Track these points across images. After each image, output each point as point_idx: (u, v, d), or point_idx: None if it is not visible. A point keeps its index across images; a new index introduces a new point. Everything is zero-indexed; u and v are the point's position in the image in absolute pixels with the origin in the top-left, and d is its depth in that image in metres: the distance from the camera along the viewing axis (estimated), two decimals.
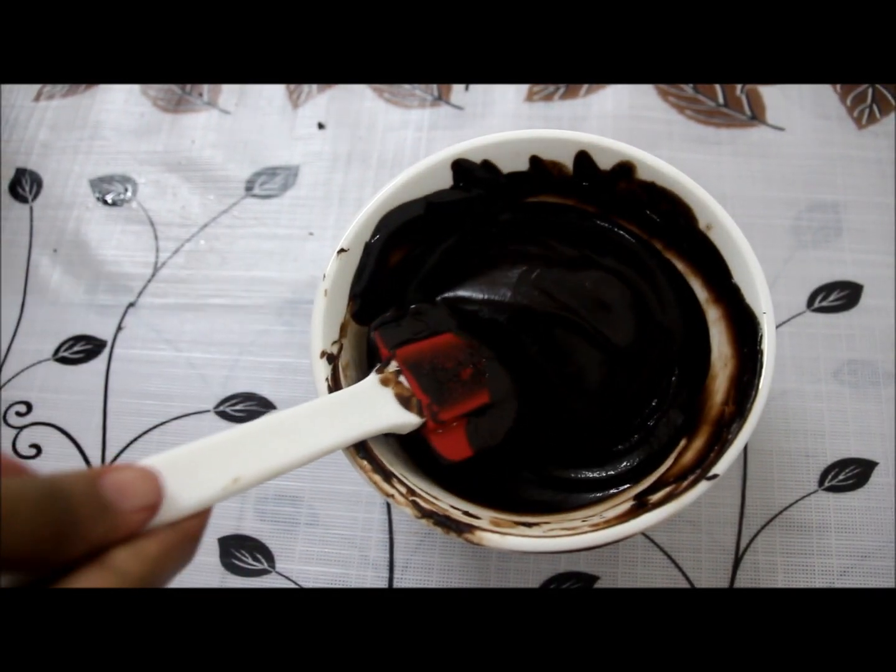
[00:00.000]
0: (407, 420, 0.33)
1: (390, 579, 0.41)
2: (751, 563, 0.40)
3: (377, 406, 0.33)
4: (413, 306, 0.38)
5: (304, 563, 0.42)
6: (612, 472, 0.37)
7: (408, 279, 0.41)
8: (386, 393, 0.34)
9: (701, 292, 0.39)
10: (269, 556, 0.42)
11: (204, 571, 0.42)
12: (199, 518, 0.25)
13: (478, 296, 0.39)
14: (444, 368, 0.35)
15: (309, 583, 0.41)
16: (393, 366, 0.34)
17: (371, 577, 0.41)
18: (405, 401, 0.33)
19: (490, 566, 0.41)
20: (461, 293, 0.40)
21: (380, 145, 0.52)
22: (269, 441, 0.28)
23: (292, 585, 0.41)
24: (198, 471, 0.26)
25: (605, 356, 0.38)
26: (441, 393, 0.34)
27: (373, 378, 0.34)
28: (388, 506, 0.42)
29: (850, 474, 0.41)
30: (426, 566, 0.41)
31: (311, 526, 0.42)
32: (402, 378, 0.34)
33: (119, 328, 0.49)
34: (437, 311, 0.38)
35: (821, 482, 0.41)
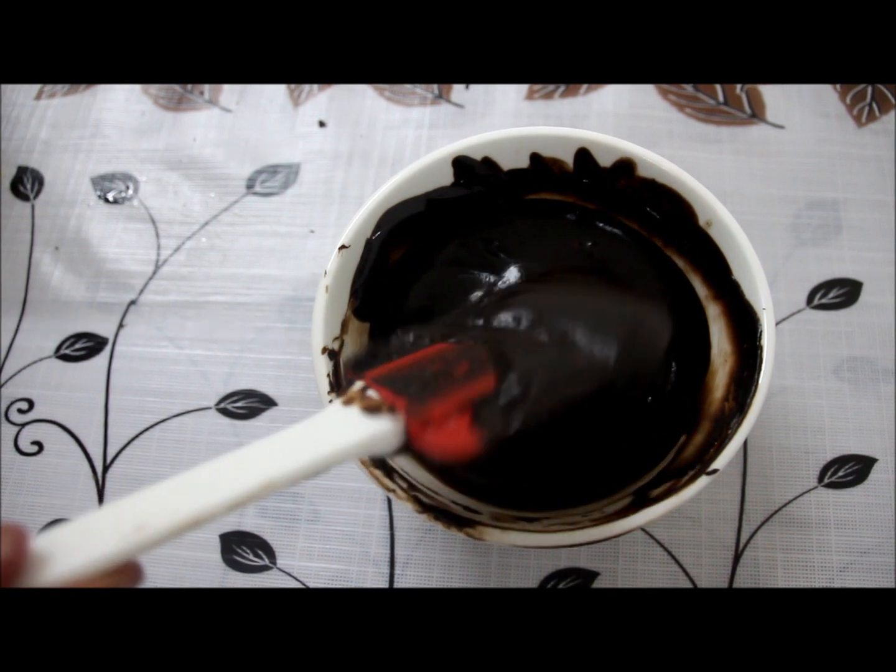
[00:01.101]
0: (379, 428, 0.26)
1: (391, 576, 0.41)
2: (751, 559, 0.40)
3: (338, 427, 0.26)
4: (398, 332, 0.32)
5: (306, 560, 0.42)
6: (613, 468, 0.38)
7: (408, 280, 0.41)
8: (349, 412, 0.27)
9: (701, 289, 0.39)
10: (270, 553, 0.42)
11: (205, 568, 0.42)
12: (106, 581, 0.22)
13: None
14: (429, 371, 0.29)
15: (310, 579, 0.41)
16: (357, 385, 0.28)
17: (372, 574, 0.41)
18: (374, 409, 0.27)
19: (491, 562, 0.41)
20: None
21: (380, 143, 0.52)
22: (188, 485, 0.23)
23: (293, 582, 0.41)
24: (91, 527, 0.22)
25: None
26: (424, 390, 0.28)
27: (334, 404, 0.27)
28: (389, 502, 0.42)
29: (849, 471, 0.41)
30: (427, 562, 0.41)
31: (312, 522, 0.42)
32: (370, 392, 0.28)
33: (120, 326, 0.49)
34: (428, 329, 0.33)
35: (820, 478, 0.41)
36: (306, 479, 0.25)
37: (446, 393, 0.28)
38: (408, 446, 0.27)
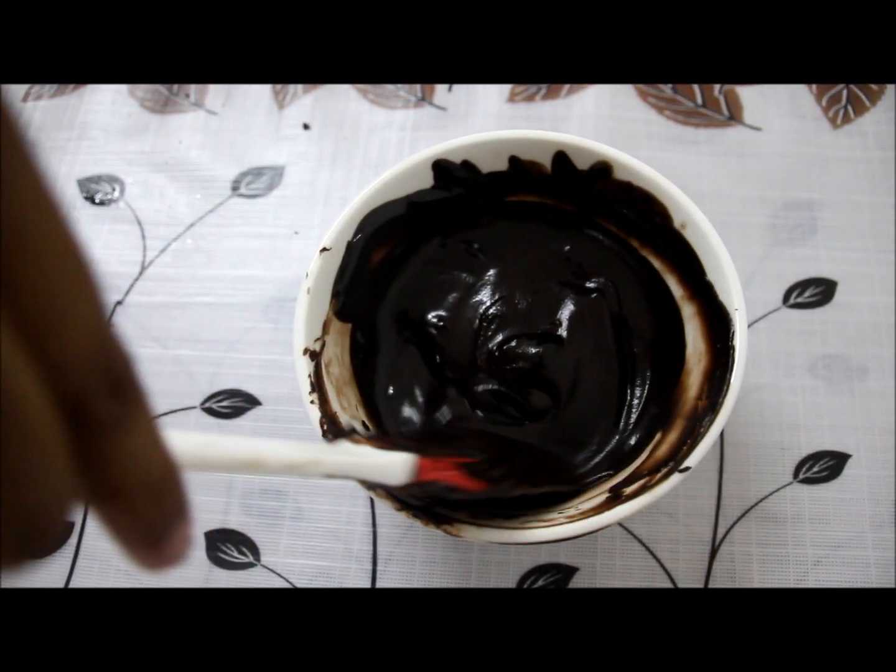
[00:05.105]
0: (397, 457, 0.28)
1: (373, 572, 0.41)
2: (727, 553, 0.41)
3: (361, 450, 0.28)
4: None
5: (289, 557, 0.42)
6: (589, 466, 0.38)
7: (389, 281, 0.42)
8: (363, 447, 0.29)
9: (676, 289, 0.40)
10: (254, 550, 0.43)
11: (190, 566, 0.42)
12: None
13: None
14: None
15: (294, 576, 0.42)
16: (358, 437, 0.30)
17: (355, 570, 0.42)
18: (387, 449, 0.29)
19: (472, 558, 0.41)
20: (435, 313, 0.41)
21: (364, 145, 0.53)
22: (249, 441, 0.24)
23: (277, 579, 0.42)
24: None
25: (582, 362, 0.40)
26: (420, 450, 0.30)
27: (344, 442, 0.29)
28: (372, 500, 0.43)
29: (824, 466, 0.42)
30: (409, 559, 0.42)
31: (296, 520, 0.43)
32: (374, 441, 0.29)
33: None
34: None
35: (795, 474, 0.42)
36: (334, 478, 0.26)
37: (440, 454, 0.31)
38: (415, 484, 0.29)
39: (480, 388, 0.39)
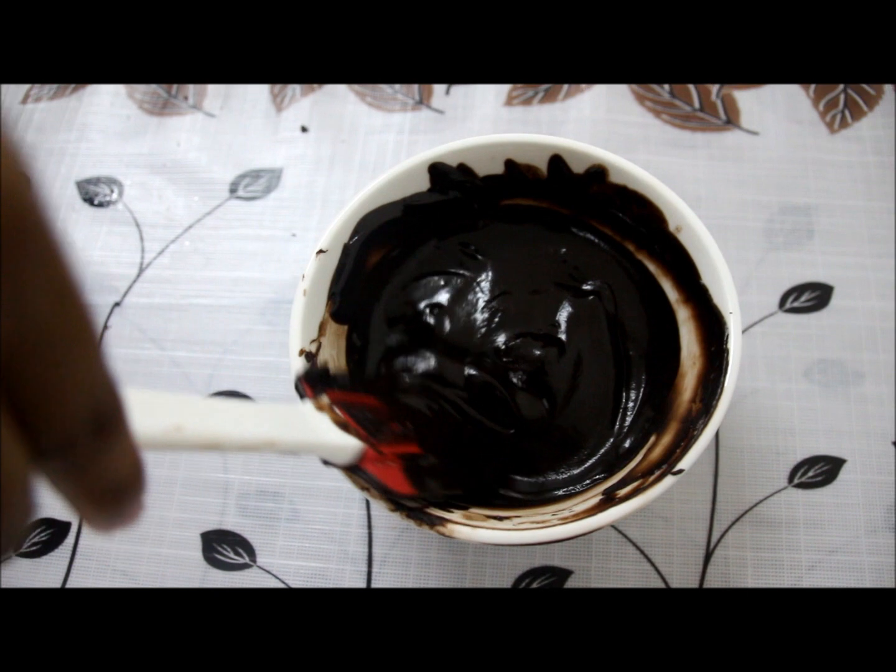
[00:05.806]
0: (347, 442, 0.30)
1: (369, 573, 0.41)
2: (721, 557, 0.41)
3: (316, 425, 0.30)
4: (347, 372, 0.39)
5: (285, 558, 0.42)
6: (583, 469, 0.38)
7: (385, 283, 0.42)
8: (322, 417, 0.31)
9: (671, 293, 0.40)
10: (250, 551, 0.43)
11: (186, 566, 0.42)
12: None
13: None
14: (372, 417, 0.33)
15: (289, 577, 0.42)
16: (325, 398, 0.32)
17: (350, 572, 0.42)
18: (343, 427, 0.31)
19: (466, 560, 0.41)
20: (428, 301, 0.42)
21: (362, 148, 0.53)
22: (218, 411, 0.25)
23: (273, 580, 0.42)
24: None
25: (580, 366, 0.40)
26: (376, 430, 0.32)
27: (308, 405, 0.31)
28: (367, 501, 0.43)
29: (819, 471, 0.42)
30: (404, 560, 0.42)
31: (292, 521, 0.43)
32: (336, 410, 0.32)
33: (104, 327, 0.49)
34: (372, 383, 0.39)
35: (790, 479, 0.42)
36: (286, 454, 0.27)
37: (389, 441, 0.33)
38: (356, 467, 0.31)
39: (476, 373, 0.39)
